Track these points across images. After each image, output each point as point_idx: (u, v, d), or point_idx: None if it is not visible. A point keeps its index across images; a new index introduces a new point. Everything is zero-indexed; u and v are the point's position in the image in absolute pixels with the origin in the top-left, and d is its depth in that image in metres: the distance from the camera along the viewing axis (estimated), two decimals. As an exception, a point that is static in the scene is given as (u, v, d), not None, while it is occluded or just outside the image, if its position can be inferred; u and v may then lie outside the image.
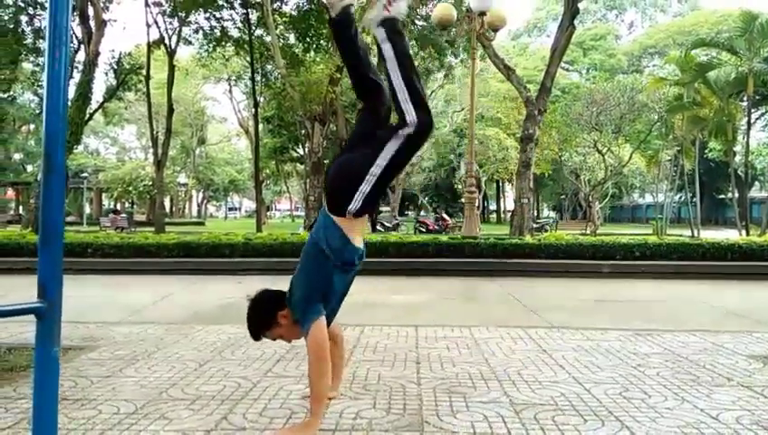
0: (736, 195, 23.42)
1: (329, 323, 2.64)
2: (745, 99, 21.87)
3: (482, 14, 10.77)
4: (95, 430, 2.45)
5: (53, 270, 1.30)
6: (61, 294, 1.30)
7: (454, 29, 12.01)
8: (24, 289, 6.83)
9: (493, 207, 54.32)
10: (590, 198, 28.94)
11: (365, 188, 2.39)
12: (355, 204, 2.41)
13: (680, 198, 35.16)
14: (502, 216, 48.12)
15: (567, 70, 44.34)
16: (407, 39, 2.60)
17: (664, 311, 5.94)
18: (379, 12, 2.48)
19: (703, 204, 34.57)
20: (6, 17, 19.81)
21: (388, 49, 2.44)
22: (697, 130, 21.46)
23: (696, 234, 20.22)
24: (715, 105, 20.22)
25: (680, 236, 15.91)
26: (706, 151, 32.42)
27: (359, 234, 2.53)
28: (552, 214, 51.21)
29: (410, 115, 2.39)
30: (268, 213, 54.95)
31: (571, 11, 14.86)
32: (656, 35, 45.68)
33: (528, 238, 10.68)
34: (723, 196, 42.39)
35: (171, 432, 2.44)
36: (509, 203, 46.94)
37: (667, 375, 3.39)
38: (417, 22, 21.66)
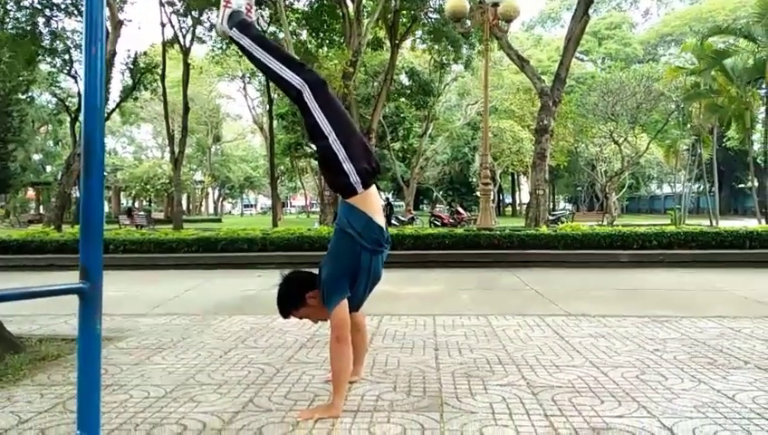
0: (755, 184, 23.13)
1: (357, 309, 2.73)
2: (764, 86, 21.57)
3: (495, 4, 10.76)
4: (128, 413, 2.56)
5: (95, 252, 1.37)
6: (101, 276, 1.38)
7: (468, 21, 12.00)
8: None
9: (508, 199, 54.13)
10: (607, 189, 28.73)
11: (342, 155, 2.52)
12: (353, 176, 2.52)
13: (698, 187, 34.72)
14: (517, 208, 47.94)
15: (582, 60, 43.94)
16: (254, 24, 2.80)
17: (682, 298, 5.93)
18: (222, 13, 2.71)
19: (722, 193, 34.18)
20: (24, 19, 20.09)
21: (247, 42, 2.65)
22: (715, 118, 21.21)
23: (714, 224, 20.01)
24: (733, 93, 19.98)
25: (699, 225, 15.75)
26: (725, 140, 31.99)
27: (377, 211, 2.60)
28: (568, 206, 50.89)
29: (297, 81, 2.57)
30: (283, 209, 55.24)
31: (586, 0, 14.77)
32: (672, 23, 45.09)
33: (544, 229, 10.66)
34: (742, 185, 41.83)
35: (200, 414, 2.53)
36: (524, 196, 46.70)
37: (683, 359, 3.42)
38: (430, 15, 21.65)
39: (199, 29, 22.48)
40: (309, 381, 3.03)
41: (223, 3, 2.72)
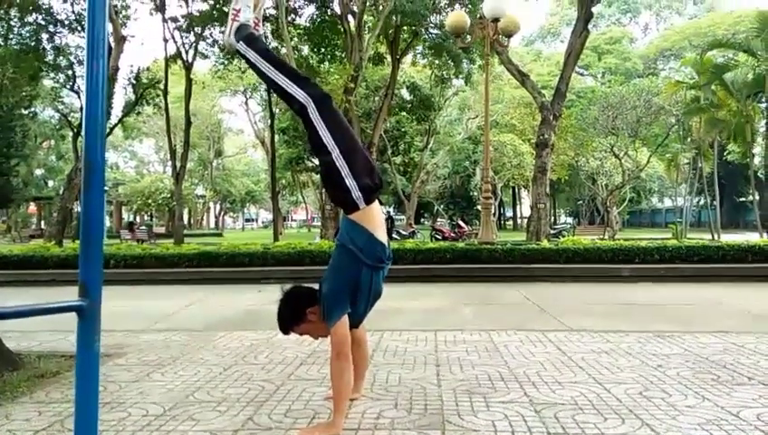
0: (757, 197, 23.11)
1: (357, 326, 2.71)
2: (764, 100, 21.63)
3: (495, 20, 10.81)
4: (126, 431, 2.53)
5: (94, 270, 1.36)
6: (101, 293, 1.37)
7: (468, 36, 12.08)
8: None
9: (509, 213, 54.06)
10: (608, 203, 28.70)
11: (345, 170, 2.52)
12: (355, 191, 2.51)
13: (700, 201, 34.71)
14: (518, 222, 47.89)
15: (582, 74, 44.15)
16: (261, 38, 2.83)
17: (684, 313, 5.90)
18: (230, 26, 2.73)
19: (723, 207, 34.11)
20: (27, 35, 20.26)
21: (252, 55, 2.67)
22: (715, 132, 21.25)
23: (716, 238, 19.96)
24: (733, 107, 20.02)
25: (700, 239, 15.72)
26: (725, 154, 31.98)
27: (379, 227, 2.59)
28: (569, 220, 50.79)
29: (301, 95, 2.59)
30: (284, 223, 55.23)
31: (585, 15, 14.88)
32: (671, 38, 45.31)
33: (545, 243, 10.64)
34: (743, 199, 41.78)
35: (200, 432, 2.51)
36: (525, 210, 46.61)
37: (687, 375, 3.39)
38: (431, 30, 21.80)
39: (202, 44, 22.62)
40: (309, 398, 3.00)
41: (231, 16, 2.74)
